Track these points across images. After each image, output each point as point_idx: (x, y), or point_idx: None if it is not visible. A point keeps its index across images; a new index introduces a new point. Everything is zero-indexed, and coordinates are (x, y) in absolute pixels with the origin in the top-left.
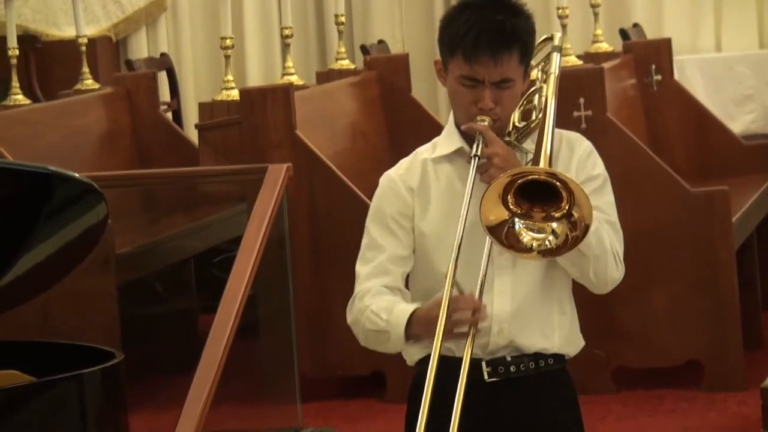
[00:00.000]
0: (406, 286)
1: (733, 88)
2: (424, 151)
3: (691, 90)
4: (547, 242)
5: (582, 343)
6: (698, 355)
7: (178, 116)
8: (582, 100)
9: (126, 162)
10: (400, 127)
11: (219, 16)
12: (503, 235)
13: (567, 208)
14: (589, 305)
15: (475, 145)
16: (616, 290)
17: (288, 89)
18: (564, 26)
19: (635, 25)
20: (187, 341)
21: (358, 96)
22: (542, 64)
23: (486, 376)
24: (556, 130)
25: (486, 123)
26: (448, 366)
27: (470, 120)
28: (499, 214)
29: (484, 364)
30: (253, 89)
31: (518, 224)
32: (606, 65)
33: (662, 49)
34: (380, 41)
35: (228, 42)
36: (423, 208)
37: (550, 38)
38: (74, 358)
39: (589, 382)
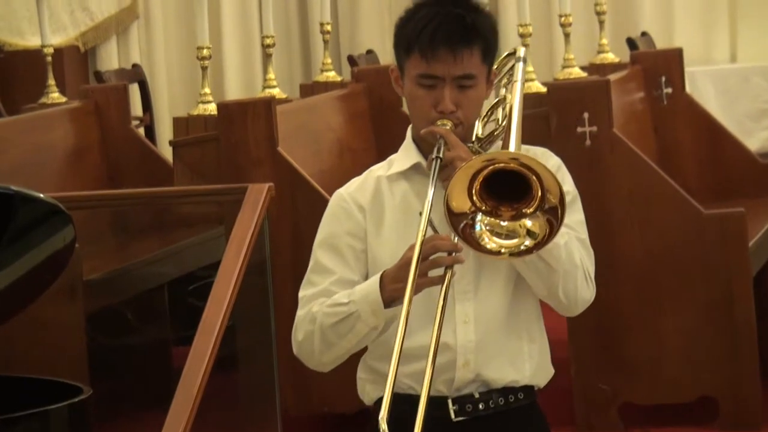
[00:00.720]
0: None
1: (749, 101)
2: (379, 169)
3: (704, 104)
4: (522, 247)
5: (552, 371)
6: (712, 391)
7: (151, 132)
8: (586, 115)
9: (95, 181)
10: (390, 143)
11: (195, 23)
12: (460, 228)
13: (539, 198)
14: (594, 336)
15: (435, 149)
16: (623, 320)
17: (269, 103)
18: (567, 35)
19: (644, 34)
20: (160, 375)
21: (345, 110)
22: (505, 80)
23: (453, 415)
24: (524, 146)
25: (447, 127)
26: (412, 404)
27: (430, 124)
28: (462, 203)
29: (450, 402)
30: (231, 103)
31: (480, 225)
32: (612, 77)
33: (673, 60)
34: (369, 51)
35: (205, 52)
36: (376, 227)
37: (513, 53)
38: (39, 393)
39: (593, 419)
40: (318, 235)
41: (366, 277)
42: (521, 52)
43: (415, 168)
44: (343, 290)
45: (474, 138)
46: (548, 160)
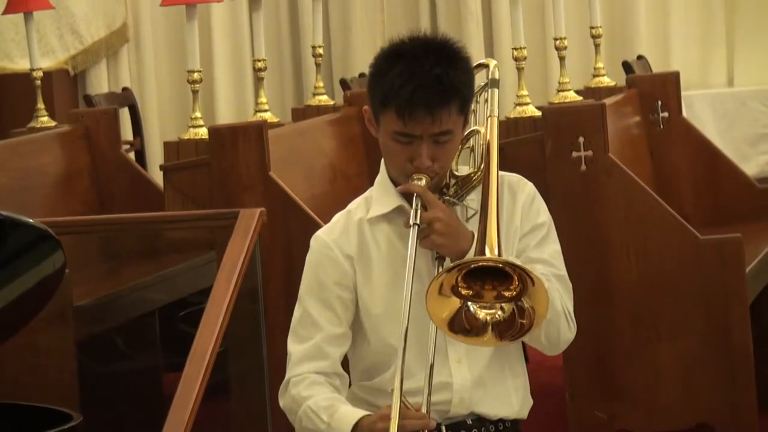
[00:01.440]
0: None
1: (747, 126)
2: (358, 209)
3: (701, 128)
4: (497, 315)
5: (531, 402)
6: (709, 418)
7: (141, 156)
8: (581, 140)
9: (85, 206)
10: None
11: (186, 47)
12: (464, 322)
13: (517, 291)
14: (590, 362)
15: (413, 213)
16: (618, 347)
17: (261, 127)
18: (562, 58)
19: (640, 58)
20: (151, 402)
21: (337, 134)
22: (475, 98)
23: None
24: (499, 172)
25: (423, 183)
26: None
27: (405, 176)
28: (450, 306)
29: (444, 428)
30: (223, 127)
31: (472, 306)
32: (608, 101)
33: (669, 84)
34: (362, 75)
35: (195, 75)
36: (365, 276)
37: (485, 65)
38: (28, 421)
39: None
40: (304, 281)
41: (354, 322)
42: (492, 68)
43: (397, 211)
44: (332, 347)
45: (449, 177)
46: (523, 188)
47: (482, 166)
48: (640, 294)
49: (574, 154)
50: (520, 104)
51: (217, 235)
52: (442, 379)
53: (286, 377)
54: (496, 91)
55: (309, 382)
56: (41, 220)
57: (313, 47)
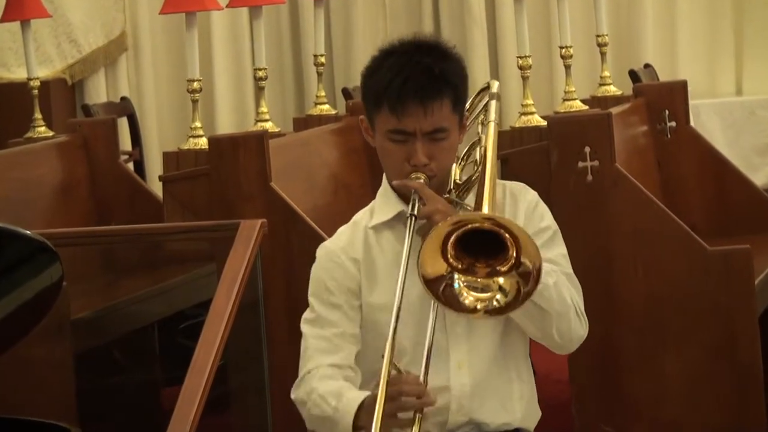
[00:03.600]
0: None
1: (755, 135)
2: (362, 219)
3: (709, 138)
4: (494, 302)
5: (540, 413)
6: None
7: (140, 167)
8: (588, 150)
9: (83, 218)
10: None
11: (185, 56)
12: (440, 291)
13: (514, 258)
14: (596, 376)
15: (410, 205)
16: (625, 359)
17: (262, 137)
18: (568, 67)
19: (647, 66)
20: (149, 416)
21: (340, 144)
22: (481, 116)
23: None
24: (499, 181)
25: (421, 180)
26: None
27: (404, 178)
28: (437, 267)
29: None
30: (223, 137)
31: (458, 282)
32: (614, 110)
33: (677, 93)
34: None
35: (195, 85)
36: (370, 282)
37: (487, 87)
38: None
39: None
40: (311, 288)
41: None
42: (495, 87)
43: (399, 217)
44: (346, 342)
45: (451, 185)
46: (525, 195)
47: (479, 168)
48: (647, 306)
49: (580, 164)
50: (525, 113)
51: (217, 247)
52: (440, 383)
53: (301, 373)
54: (495, 103)
55: (321, 375)
56: (39, 232)
57: (315, 56)
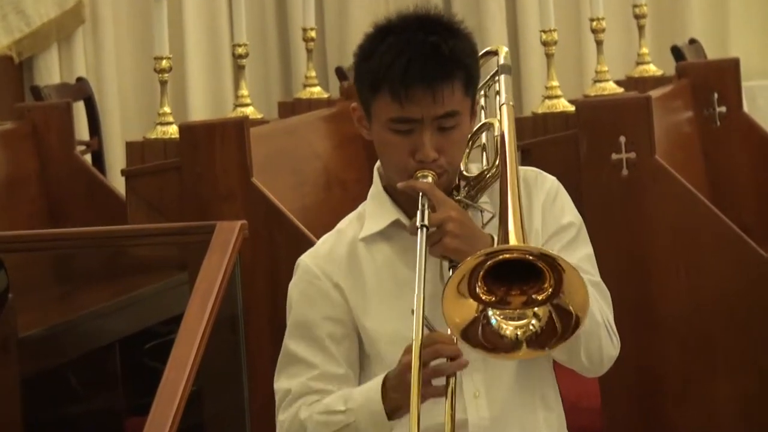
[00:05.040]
0: None
1: None
2: (349, 228)
3: (765, 125)
4: (530, 326)
5: None
6: None
7: (99, 159)
8: (623, 139)
9: (32, 218)
10: None
11: (152, 29)
12: (480, 336)
13: (551, 290)
14: (632, 403)
15: (419, 213)
16: (666, 384)
17: (242, 124)
18: (599, 43)
19: (692, 42)
20: None
21: (333, 133)
22: (484, 91)
23: None
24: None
25: (429, 180)
26: None
27: (408, 177)
28: (466, 311)
29: None
30: (196, 124)
31: (494, 318)
32: (654, 93)
33: (728, 73)
34: None
35: (164, 63)
36: (362, 303)
37: (494, 52)
38: None
39: None
40: (289, 324)
41: (356, 361)
42: (503, 55)
43: (395, 225)
44: (328, 385)
45: (458, 179)
46: (542, 183)
47: (497, 162)
48: (691, 321)
49: (614, 156)
50: (549, 97)
51: (189, 253)
52: (456, 417)
53: (278, 424)
54: (509, 77)
55: (307, 405)
56: None
57: (304, 29)
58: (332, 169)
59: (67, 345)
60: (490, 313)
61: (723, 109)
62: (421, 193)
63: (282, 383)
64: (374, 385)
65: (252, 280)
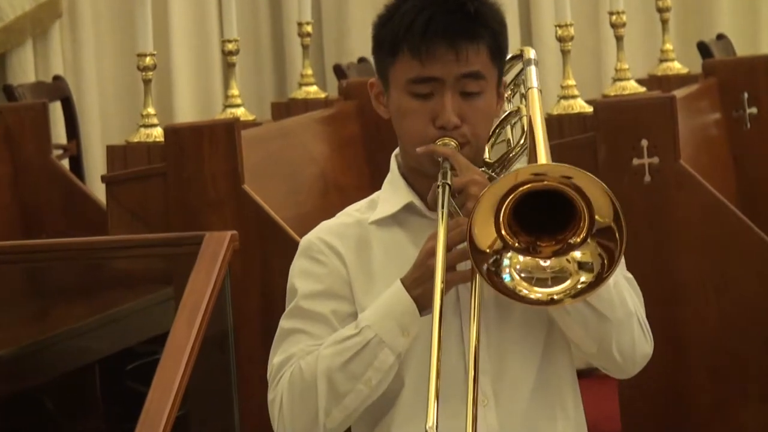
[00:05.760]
0: None
1: None
2: (358, 211)
3: None
4: (579, 286)
5: None
6: None
7: (77, 164)
8: (645, 143)
9: (4, 228)
10: None
11: (135, 23)
12: (484, 270)
13: (587, 219)
14: (656, 427)
15: (440, 173)
16: (695, 410)
17: (232, 126)
18: (620, 38)
19: (720, 37)
20: None
21: (331, 136)
22: (510, 90)
23: None
24: None
25: (452, 146)
26: None
27: (427, 151)
28: (486, 235)
29: None
30: (183, 126)
31: (510, 272)
32: (679, 93)
33: (759, 71)
34: (361, 60)
35: (148, 60)
36: (365, 284)
37: (520, 56)
38: None
39: None
40: (288, 296)
41: None
42: (531, 53)
43: (408, 209)
44: None
45: (482, 164)
46: None
47: (520, 141)
48: (721, 342)
49: (635, 161)
50: (565, 97)
51: (175, 266)
52: (458, 426)
53: (273, 391)
54: (535, 68)
55: (308, 358)
56: None
57: (299, 24)
58: (330, 174)
59: (42, 366)
60: (505, 262)
61: (754, 110)
62: (443, 158)
63: (280, 355)
64: (392, 292)
65: (243, 295)
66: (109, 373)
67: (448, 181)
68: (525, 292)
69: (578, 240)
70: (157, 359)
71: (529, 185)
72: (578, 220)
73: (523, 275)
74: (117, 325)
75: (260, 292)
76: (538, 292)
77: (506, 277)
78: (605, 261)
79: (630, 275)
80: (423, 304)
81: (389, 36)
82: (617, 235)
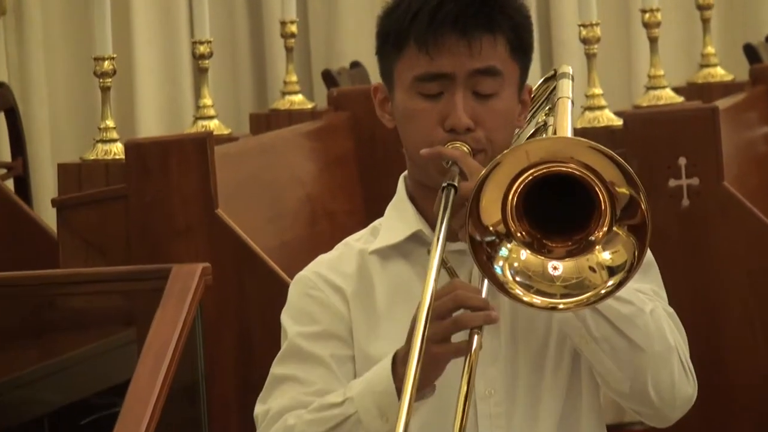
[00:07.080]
0: None
1: None
2: (359, 240)
3: None
4: (603, 291)
5: None
6: None
7: (24, 186)
8: (683, 161)
9: None
10: (387, 201)
11: (92, 23)
12: (478, 255)
13: (609, 204)
14: None
15: (447, 175)
16: None
17: (204, 142)
18: (653, 40)
19: None
20: None
21: (319, 152)
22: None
23: None
24: None
25: (464, 149)
26: None
27: (436, 162)
28: (492, 211)
29: None
30: (147, 141)
31: (504, 267)
32: (722, 103)
33: None
34: (354, 64)
35: (106, 65)
36: (367, 325)
37: (553, 76)
38: None
39: None
40: (282, 340)
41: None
42: (568, 69)
43: (415, 239)
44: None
45: None
46: None
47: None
48: None
49: (672, 182)
50: (590, 108)
51: (137, 304)
52: None
53: (262, 408)
54: (570, 81)
55: (298, 414)
56: None
57: (283, 23)
58: (317, 198)
59: None
60: (501, 252)
61: None
62: (451, 160)
63: (268, 403)
64: (381, 364)
65: (217, 337)
66: (61, 428)
67: (455, 183)
68: (518, 293)
69: (601, 234)
70: (117, 412)
71: (549, 167)
72: (598, 211)
73: (519, 279)
74: (70, 373)
75: (236, 334)
76: (535, 299)
77: (497, 269)
78: (636, 249)
79: (671, 310)
80: (420, 384)
81: (394, 27)
82: (643, 208)
